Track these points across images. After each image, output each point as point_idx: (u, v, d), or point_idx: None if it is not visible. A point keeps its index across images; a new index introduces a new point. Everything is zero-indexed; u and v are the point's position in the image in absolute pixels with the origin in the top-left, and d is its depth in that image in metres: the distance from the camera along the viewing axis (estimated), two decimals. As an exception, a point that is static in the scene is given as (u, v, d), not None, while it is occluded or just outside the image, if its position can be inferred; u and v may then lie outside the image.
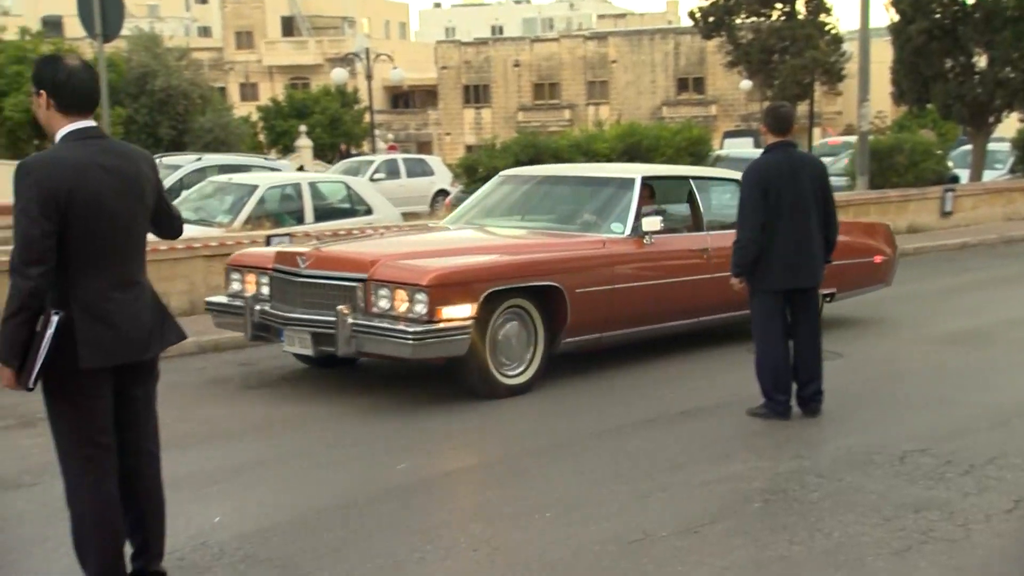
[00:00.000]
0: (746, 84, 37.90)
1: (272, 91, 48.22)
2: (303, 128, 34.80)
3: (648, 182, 7.65)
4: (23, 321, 3.13)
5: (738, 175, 8.23)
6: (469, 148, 42.54)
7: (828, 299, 8.17)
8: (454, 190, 22.30)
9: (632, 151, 13.14)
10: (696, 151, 13.99)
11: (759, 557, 3.93)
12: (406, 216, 14.35)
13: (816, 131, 37.35)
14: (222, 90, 40.78)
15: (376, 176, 21.84)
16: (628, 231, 7.12)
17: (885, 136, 20.81)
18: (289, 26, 59.14)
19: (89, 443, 3.29)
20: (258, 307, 6.58)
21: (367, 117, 37.74)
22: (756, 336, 5.98)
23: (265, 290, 6.69)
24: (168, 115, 28.35)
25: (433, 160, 27.34)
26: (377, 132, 37.50)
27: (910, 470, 4.92)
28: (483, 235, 7.48)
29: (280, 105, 40.39)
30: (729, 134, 32.97)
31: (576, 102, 53.28)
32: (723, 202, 8.17)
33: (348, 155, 30.52)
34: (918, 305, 9.91)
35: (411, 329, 5.87)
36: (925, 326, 8.83)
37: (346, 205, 12.46)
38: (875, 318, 9.18)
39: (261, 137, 39.13)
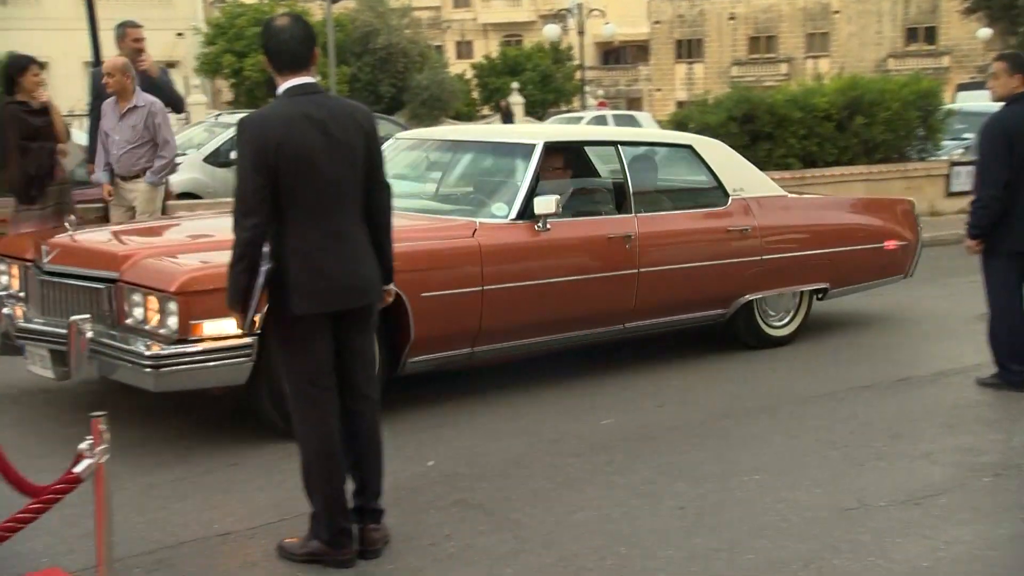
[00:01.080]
0: (985, 32, 35.19)
1: (486, 48, 48.95)
2: (515, 85, 35.20)
3: (558, 148, 6.03)
4: (243, 269, 3.31)
5: (688, 139, 6.77)
6: (680, 104, 41.76)
7: (819, 296, 6.79)
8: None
9: (853, 105, 12.44)
10: (925, 105, 13.09)
11: (988, 535, 3.68)
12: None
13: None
14: (439, 48, 41.75)
15: (586, 132, 21.80)
16: (514, 214, 5.40)
17: None
18: (503, -16, 59.59)
19: (311, 383, 3.45)
20: (6, 311, 5.02)
21: (578, 74, 37.70)
22: (991, 302, 5.57)
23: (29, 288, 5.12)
24: (388, 73, 29.34)
25: (643, 116, 27.08)
26: (587, 88, 37.40)
27: None
28: None
29: (494, 62, 40.96)
30: (963, 87, 30.78)
31: (794, 55, 51.17)
32: (663, 175, 6.58)
33: (508, 112, 30.46)
34: None
35: (149, 352, 4.39)
36: None
37: (556, 161, 12.52)
38: None
39: (475, 94, 39.90)
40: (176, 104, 7.67)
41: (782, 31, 51.78)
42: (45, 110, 6.67)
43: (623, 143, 6.14)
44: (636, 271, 5.76)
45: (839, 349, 6.59)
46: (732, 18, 52.53)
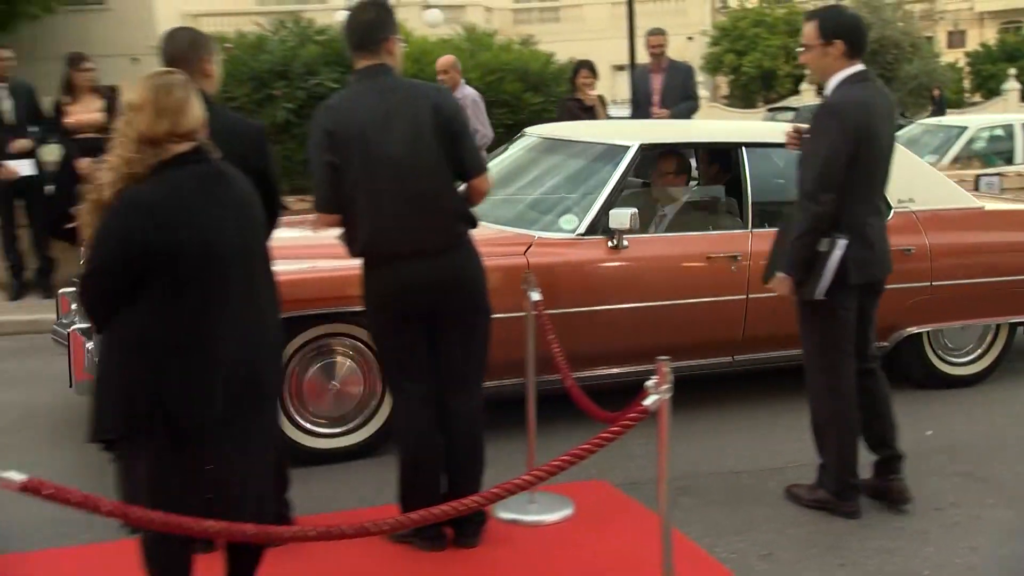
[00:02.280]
0: None
1: (981, 36, 44.44)
2: (1012, 71, 31.58)
3: (663, 151, 4.89)
4: (810, 242, 3.40)
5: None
6: None
7: None
8: None
9: None
10: None
11: None
12: None
13: None
14: (929, 39, 38.70)
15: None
16: (583, 228, 4.38)
17: None
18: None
19: (840, 350, 3.51)
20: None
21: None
22: None
23: None
24: (878, 64, 28.02)
25: None
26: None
27: None
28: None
29: (990, 49, 37.23)
30: None
31: None
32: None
33: (940, 102, 26.48)
34: None
35: None
36: None
37: (1063, 147, 11.27)
38: None
39: (966, 83, 36.63)
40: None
41: None
42: (592, 107, 7.34)
43: (746, 144, 4.81)
44: (744, 297, 4.55)
45: None
46: None
